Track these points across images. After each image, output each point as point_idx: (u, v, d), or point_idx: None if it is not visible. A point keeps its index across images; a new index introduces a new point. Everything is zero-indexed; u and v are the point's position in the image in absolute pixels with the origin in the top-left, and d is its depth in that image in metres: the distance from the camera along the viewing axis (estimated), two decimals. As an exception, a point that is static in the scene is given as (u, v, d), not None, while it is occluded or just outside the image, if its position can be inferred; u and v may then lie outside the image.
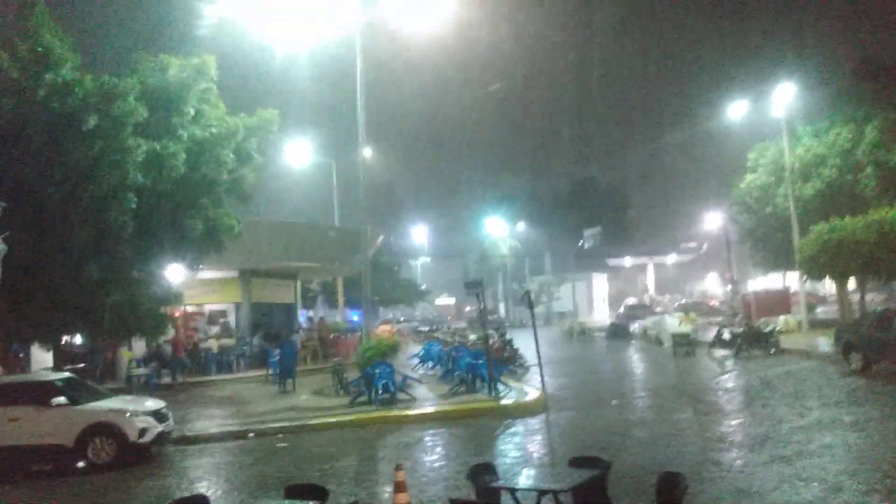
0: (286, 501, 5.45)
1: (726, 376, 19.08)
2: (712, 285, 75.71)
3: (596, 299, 70.31)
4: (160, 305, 16.13)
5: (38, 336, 15.58)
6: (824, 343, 23.64)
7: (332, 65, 23.91)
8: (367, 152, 20.62)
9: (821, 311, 40.75)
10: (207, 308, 28.51)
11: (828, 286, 54.73)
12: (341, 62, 21.19)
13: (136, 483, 10.23)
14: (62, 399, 11.43)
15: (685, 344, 23.95)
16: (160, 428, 11.85)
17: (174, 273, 17.05)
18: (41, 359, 19.16)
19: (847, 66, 32.19)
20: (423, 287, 59.76)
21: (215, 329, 27.92)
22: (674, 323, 31.71)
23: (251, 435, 13.45)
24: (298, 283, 33.92)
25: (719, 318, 36.25)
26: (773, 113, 31.49)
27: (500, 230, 60.81)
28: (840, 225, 23.55)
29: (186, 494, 8.36)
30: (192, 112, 15.35)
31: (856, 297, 31.53)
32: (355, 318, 44.05)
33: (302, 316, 40.16)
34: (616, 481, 6.31)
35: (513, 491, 5.49)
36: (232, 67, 19.06)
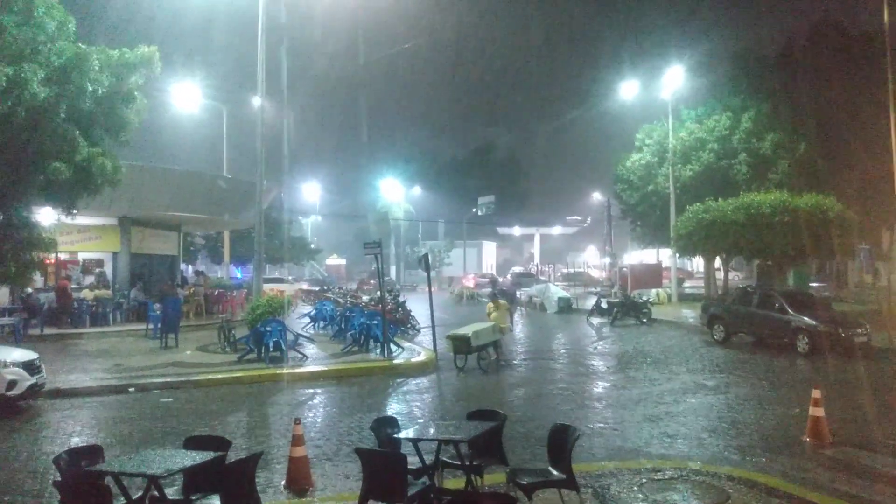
0: (187, 451, 5.27)
1: (603, 342, 20.36)
2: (592, 257, 79.71)
3: (485, 265, 72.21)
4: (28, 251, 14.76)
5: None
6: (691, 315, 25.75)
7: (232, 8, 22.59)
8: (257, 101, 19.78)
9: (688, 286, 44.17)
10: (81, 256, 26.73)
11: (695, 263, 59.11)
12: (244, 7, 20.21)
13: (3, 438, 9.55)
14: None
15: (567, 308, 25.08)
16: (32, 380, 11.08)
17: (45, 217, 15.68)
18: None
19: (728, 55, 34.36)
20: (313, 246, 58.72)
21: (90, 279, 26.22)
22: (556, 291, 33.20)
23: (131, 389, 12.87)
24: (182, 235, 32.37)
25: (598, 289, 38.29)
26: (661, 95, 33.17)
27: (395, 193, 60.64)
28: (713, 206, 25.46)
29: (64, 448, 7.91)
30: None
31: (720, 274, 34.37)
32: (239, 275, 42.74)
33: (186, 270, 38.50)
34: (508, 433, 6.66)
35: (416, 441, 5.67)
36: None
